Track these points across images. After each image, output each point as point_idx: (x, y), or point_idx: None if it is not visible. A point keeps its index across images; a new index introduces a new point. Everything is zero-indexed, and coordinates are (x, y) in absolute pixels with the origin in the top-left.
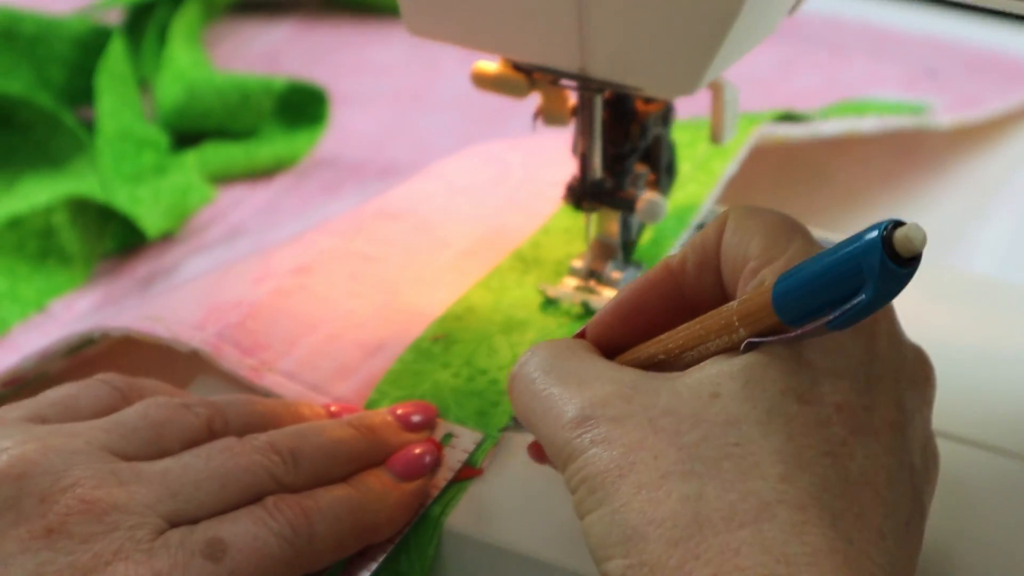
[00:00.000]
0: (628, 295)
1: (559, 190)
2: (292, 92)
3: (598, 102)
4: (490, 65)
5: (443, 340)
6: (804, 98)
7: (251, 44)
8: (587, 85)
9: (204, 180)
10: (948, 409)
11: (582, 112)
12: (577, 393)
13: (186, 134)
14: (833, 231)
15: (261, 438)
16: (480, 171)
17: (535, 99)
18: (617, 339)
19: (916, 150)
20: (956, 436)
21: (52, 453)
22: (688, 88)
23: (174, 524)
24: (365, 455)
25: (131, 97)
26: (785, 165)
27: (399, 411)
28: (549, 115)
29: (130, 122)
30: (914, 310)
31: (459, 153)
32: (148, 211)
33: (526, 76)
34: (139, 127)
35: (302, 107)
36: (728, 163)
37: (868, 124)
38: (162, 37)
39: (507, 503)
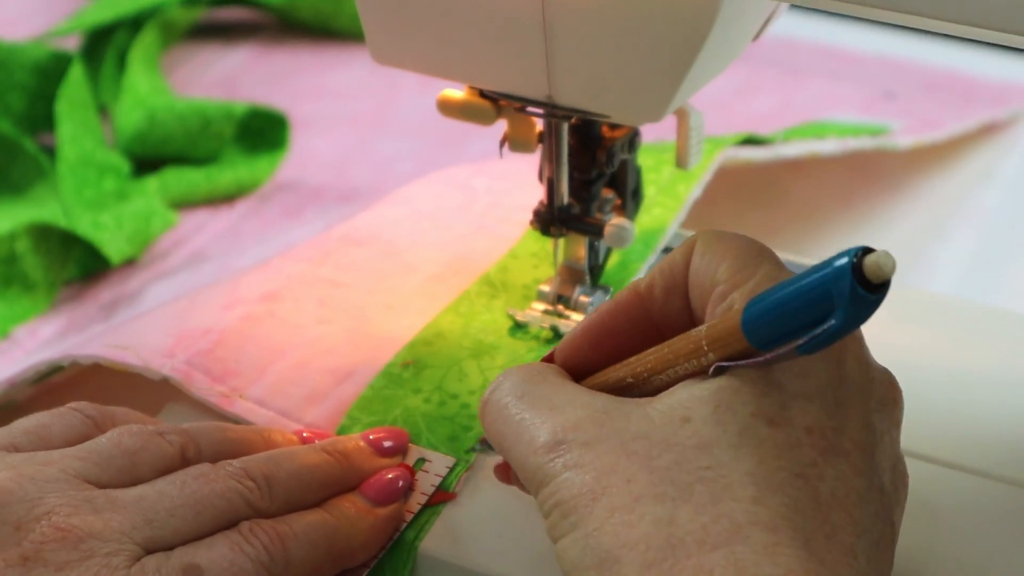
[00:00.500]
0: (597, 319)
1: (525, 215)
2: (252, 117)
3: (565, 129)
4: (456, 93)
5: (413, 366)
6: (762, 120)
7: (209, 69)
8: (554, 112)
9: (166, 206)
10: (917, 429)
11: (549, 139)
12: (549, 418)
13: (146, 160)
14: (794, 252)
15: (235, 464)
16: (446, 196)
17: (498, 124)
18: (586, 363)
19: (873, 170)
20: (925, 456)
21: (26, 481)
22: (656, 115)
23: (149, 551)
24: (338, 480)
25: (91, 123)
26: (744, 186)
27: (371, 436)
28: (516, 142)
29: (91, 148)
30: (880, 331)
31: (424, 178)
32: (111, 237)
33: (492, 103)
34: (100, 153)
35: (262, 132)
36: (693, 187)
37: (828, 146)
38: (121, 63)
39: (481, 527)
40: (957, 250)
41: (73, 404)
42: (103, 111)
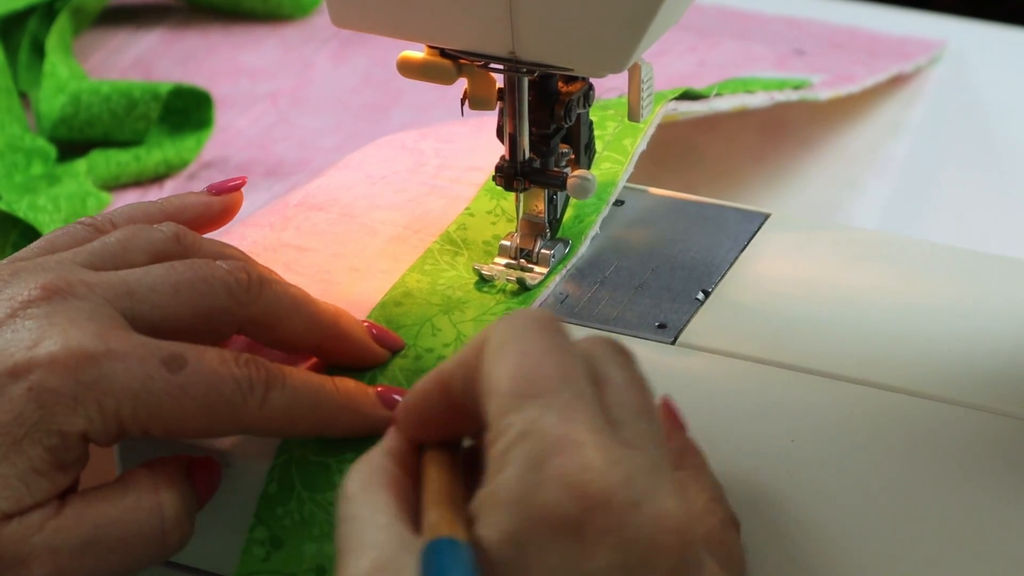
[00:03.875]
0: (411, 404)
1: (476, 175)
2: (175, 97)
3: (525, 84)
4: (416, 53)
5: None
6: (681, 80)
7: (122, 54)
8: (516, 68)
9: (96, 188)
10: (884, 362)
11: (510, 95)
12: (356, 558)
13: (71, 144)
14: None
15: (234, 261)
16: (396, 160)
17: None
18: (426, 435)
19: (783, 127)
20: (891, 387)
21: (22, 270)
22: (618, 66)
23: (133, 324)
24: (331, 326)
25: (15, 109)
26: (659, 145)
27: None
28: (476, 99)
29: (18, 134)
30: (833, 271)
31: (371, 144)
32: (49, 219)
33: (453, 62)
34: (27, 138)
35: (186, 111)
36: (639, 140)
37: (757, 99)
38: (35, 49)
39: None
40: (871, 201)
41: (82, 219)
42: (23, 97)
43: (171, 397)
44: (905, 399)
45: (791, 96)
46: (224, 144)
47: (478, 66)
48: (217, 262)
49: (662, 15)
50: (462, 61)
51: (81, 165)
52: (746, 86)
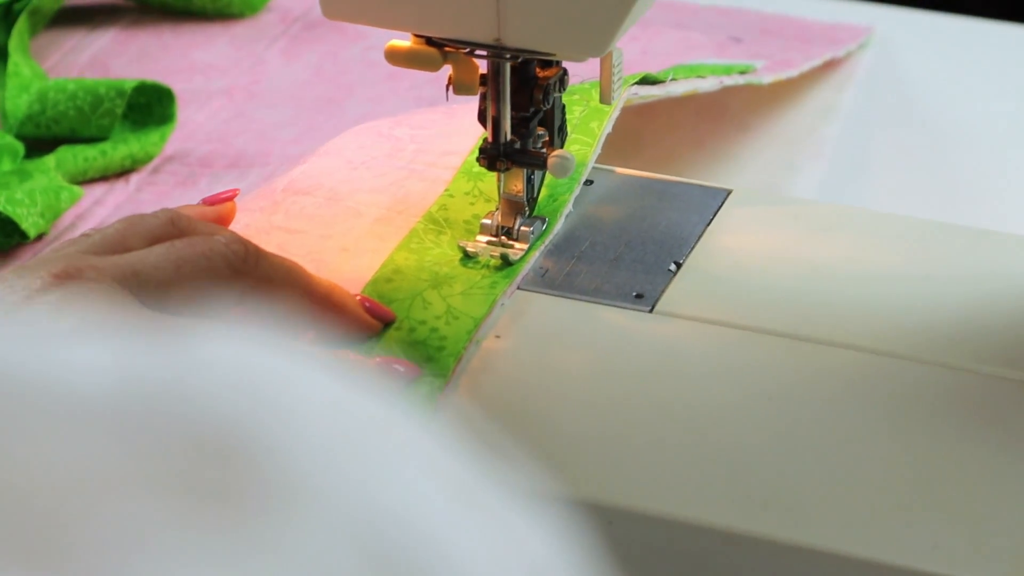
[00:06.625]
0: None
1: (451, 159)
2: (138, 93)
3: (507, 70)
4: (402, 42)
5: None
6: (628, 69)
7: (78, 53)
8: (500, 54)
9: (66, 182)
10: (848, 324)
11: (492, 80)
12: None
13: (38, 141)
14: None
15: (230, 234)
16: (373, 146)
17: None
18: None
19: (720, 111)
20: (857, 347)
21: (28, 266)
22: (599, 50)
23: (143, 303)
24: (326, 288)
25: None
26: None
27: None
28: (461, 85)
29: None
30: (792, 244)
31: (346, 132)
32: (27, 212)
33: (439, 49)
34: None
35: (149, 107)
36: (605, 123)
37: (708, 84)
38: None
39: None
40: (807, 182)
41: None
42: None
43: None
44: (869, 357)
45: (738, 80)
46: (185, 138)
47: (463, 53)
48: (215, 236)
49: (641, 2)
50: (447, 49)
51: (50, 161)
52: (696, 71)
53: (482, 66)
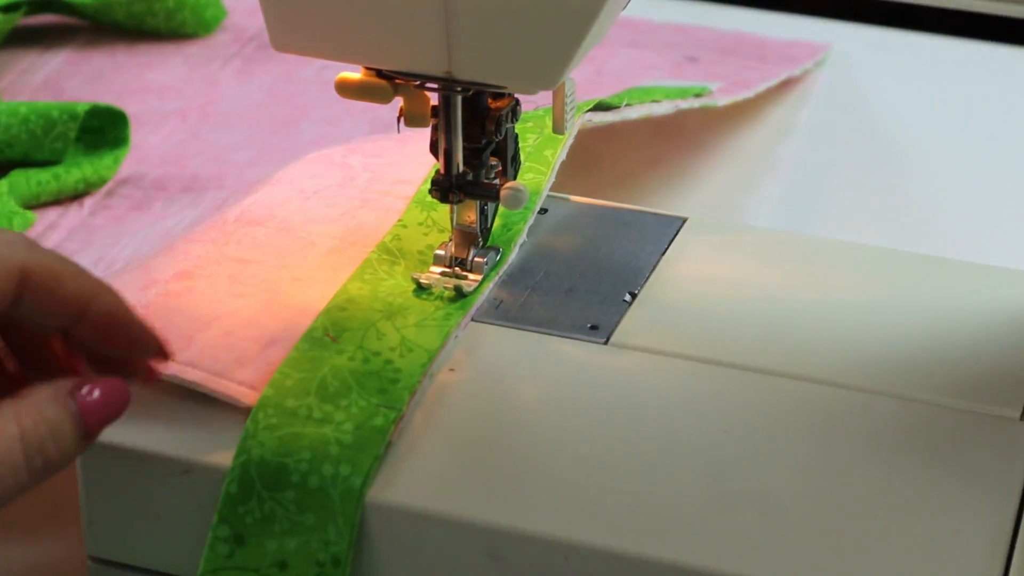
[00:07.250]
0: None
1: (404, 188)
2: (91, 116)
3: (458, 102)
4: (353, 74)
5: (335, 342)
6: (583, 89)
7: (32, 74)
8: (451, 87)
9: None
10: (805, 356)
11: (444, 112)
12: None
13: None
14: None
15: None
16: (326, 175)
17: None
18: None
19: (676, 131)
20: (815, 379)
21: None
22: (550, 83)
23: None
24: None
25: None
26: None
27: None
28: (412, 116)
29: None
30: (749, 272)
31: (300, 161)
32: None
33: (389, 82)
34: None
35: (102, 130)
36: (559, 151)
37: (663, 108)
38: None
39: (425, 469)
40: (763, 200)
41: None
42: None
43: None
44: (825, 389)
45: (693, 103)
46: (139, 161)
47: (414, 85)
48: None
49: (591, 35)
50: (398, 81)
51: (2, 185)
52: (651, 95)
53: (433, 98)
